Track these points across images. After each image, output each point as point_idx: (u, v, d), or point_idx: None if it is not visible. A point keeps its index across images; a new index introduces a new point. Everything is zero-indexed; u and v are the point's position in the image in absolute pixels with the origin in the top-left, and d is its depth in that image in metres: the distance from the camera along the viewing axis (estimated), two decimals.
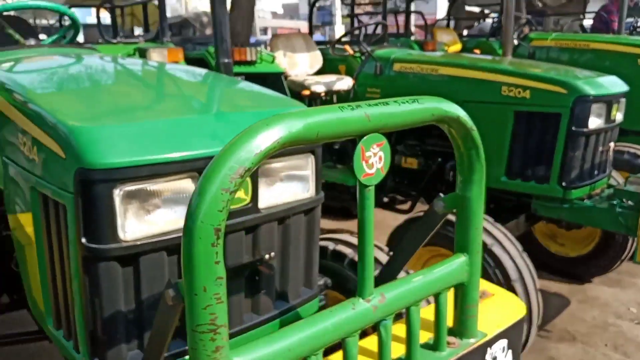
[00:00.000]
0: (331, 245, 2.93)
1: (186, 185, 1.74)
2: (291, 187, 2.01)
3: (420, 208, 5.05)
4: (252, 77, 5.71)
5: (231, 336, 1.94)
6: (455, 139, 1.51)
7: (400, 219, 3.97)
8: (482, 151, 1.53)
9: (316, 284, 2.24)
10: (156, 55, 4.65)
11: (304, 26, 22.22)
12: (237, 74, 5.29)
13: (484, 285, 2.07)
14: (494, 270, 3.39)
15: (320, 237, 3.07)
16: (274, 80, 5.80)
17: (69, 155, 1.61)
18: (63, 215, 1.71)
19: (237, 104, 2.06)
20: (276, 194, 1.96)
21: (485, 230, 3.45)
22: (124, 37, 5.95)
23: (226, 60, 3.00)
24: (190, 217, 1.00)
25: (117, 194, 1.60)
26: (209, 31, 16.06)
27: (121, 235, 1.63)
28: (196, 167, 1.71)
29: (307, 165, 2.03)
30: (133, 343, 1.76)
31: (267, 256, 1.98)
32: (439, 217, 1.73)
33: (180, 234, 1.73)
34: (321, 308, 2.75)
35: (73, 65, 2.58)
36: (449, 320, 1.69)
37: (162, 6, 5.02)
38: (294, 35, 6.61)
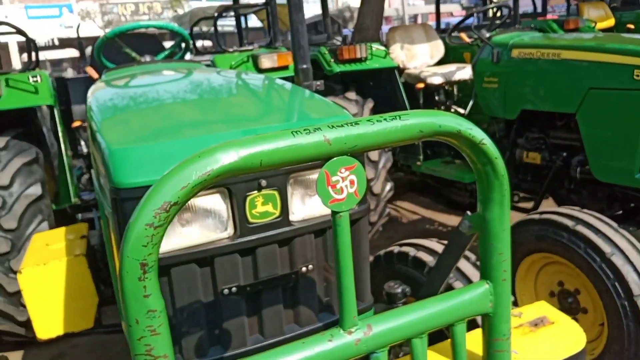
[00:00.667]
0: (412, 252, 2.80)
1: (215, 200, 1.80)
2: None
3: (546, 206, 4.58)
4: (363, 75, 5.67)
5: (273, 346, 1.98)
6: (468, 154, 1.34)
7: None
8: (500, 166, 1.34)
9: (368, 297, 2.16)
10: (266, 61, 4.84)
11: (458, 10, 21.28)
12: (345, 74, 5.28)
13: (546, 310, 1.82)
14: (613, 283, 2.96)
15: (402, 243, 2.97)
16: (388, 76, 5.68)
17: (107, 176, 1.76)
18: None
19: (275, 117, 2.06)
20: (311, 207, 1.93)
21: (605, 236, 3.02)
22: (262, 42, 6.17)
23: (304, 67, 3.01)
24: (120, 252, 1.02)
25: None
26: (351, 26, 16.27)
27: None
28: (224, 183, 1.76)
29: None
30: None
31: (303, 269, 1.96)
32: (466, 238, 1.55)
33: (210, 246, 1.82)
34: None
35: (160, 83, 2.80)
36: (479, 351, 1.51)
37: (273, 12, 5.20)
38: (413, 27, 6.39)
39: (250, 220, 1.81)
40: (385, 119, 1.20)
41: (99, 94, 2.47)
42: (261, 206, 1.80)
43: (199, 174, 1.02)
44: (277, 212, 1.84)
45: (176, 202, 1.01)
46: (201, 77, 2.76)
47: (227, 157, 1.05)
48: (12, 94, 4.12)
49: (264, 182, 1.78)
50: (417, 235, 6.03)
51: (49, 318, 3.90)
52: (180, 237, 1.78)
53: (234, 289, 1.85)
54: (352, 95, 5.41)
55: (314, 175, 1.91)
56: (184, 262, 1.78)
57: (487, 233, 1.41)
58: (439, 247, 2.78)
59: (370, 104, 5.47)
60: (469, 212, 1.51)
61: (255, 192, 1.79)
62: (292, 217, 1.89)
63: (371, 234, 5.36)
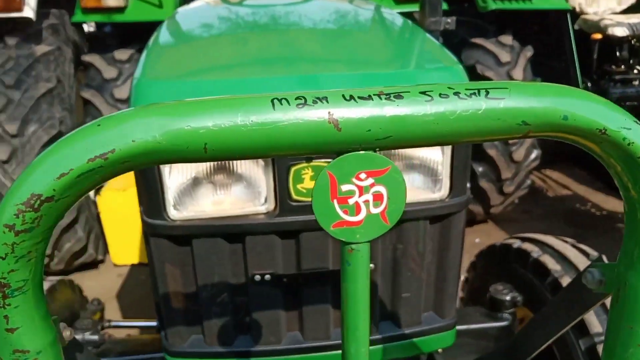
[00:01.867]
0: (536, 253, 2.18)
1: (247, 166, 1.38)
2: (411, 181, 1.44)
3: None
4: (526, 16, 4.70)
5: (317, 349, 1.59)
6: (615, 170, 0.75)
7: None
8: None
9: (450, 313, 1.65)
10: None
11: None
12: (504, 13, 4.40)
13: None
14: None
15: (526, 237, 2.33)
16: (557, 20, 4.67)
17: None
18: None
19: (349, 63, 1.53)
20: None
21: None
22: None
23: None
24: None
25: (166, 167, 1.35)
26: None
27: (171, 213, 1.39)
28: None
29: (436, 155, 1.41)
30: (194, 328, 1.57)
31: None
32: (593, 297, 0.97)
33: (242, 220, 1.44)
34: (506, 330, 2.11)
35: (253, 9, 2.36)
36: None
37: None
38: None
39: (294, 196, 1.37)
40: (459, 92, 0.65)
41: (177, 16, 2.12)
42: (309, 181, 1.35)
43: (92, 155, 0.60)
44: None
45: (50, 198, 0.60)
46: (299, 6, 2.27)
47: (144, 131, 0.60)
48: (138, 7, 4.02)
49: None
50: (561, 215, 5.14)
51: (124, 245, 3.95)
52: (208, 202, 1.42)
53: (267, 277, 1.46)
54: (507, 39, 4.54)
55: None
56: (209, 234, 1.42)
57: (624, 298, 0.82)
58: (572, 254, 2.12)
59: (528, 52, 4.56)
60: (604, 258, 0.91)
61: (304, 162, 1.33)
62: None
63: (502, 207, 4.63)
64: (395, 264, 1.54)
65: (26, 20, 3.78)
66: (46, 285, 2.13)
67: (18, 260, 0.63)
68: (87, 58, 4.22)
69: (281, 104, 0.63)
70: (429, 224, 1.51)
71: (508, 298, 2.15)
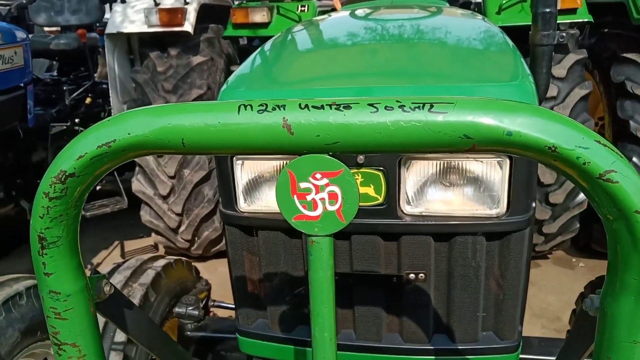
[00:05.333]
0: None
1: None
2: (464, 195, 1.45)
3: None
4: None
5: (369, 350, 1.65)
6: (587, 193, 0.73)
7: None
8: None
9: (514, 334, 1.60)
10: None
11: None
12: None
13: None
14: None
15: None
16: None
17: None
18: None
19: (412, 75, 1.57)
20: (433, 201, 1.45)
21: None
22: None
23: (546, 10, 2.27)
24: None
25: (238, 164, 1.53)
26: None
27: (241, 205, 1.58)
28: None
29: (494, 169, 1.41)
30: (261, 312, 1.74)
31: (412, 275, 1.53)
32: (594, 322, 0.92)
33: None
34: None
35: (371, 24, 2.48)
36: None
37: None
38: None
39: None
40: (404, 105, 0.71)
41: (291, 29, 2.33)
42: (360, 186, 1.43)
43: (100, 143, 0.77)
44: (381, 198, 1.44)
45: (72, 174, 0.79)
46: (421, 22, 2.33)
47: (137, 127, 0.77)
48: (280, 22, 4.37)
49: (361, 158, 1.39)
50: None
51: None
52: (272, 199, 1.57)
53: None
54: None
55: (444, 158, 1.41)
56: (272, 227, 1.57)
57: (605, 330, 0.78)
58: None
59: None
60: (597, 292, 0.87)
61: (354, 168, 1.42)
62: (402, 209, 1.46)
63: (548, 246, 4.17)
64: (449, 277, 1.54)
65: (186, 33, 4.35)
66: (165, 261, 2.47)
67: (52, 220, 0.83)
68: (234, 68, 4.70)
69: (245, 110, 0.75)
70: (485, 240, 1.49)
71: None
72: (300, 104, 0.74)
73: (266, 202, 1.56)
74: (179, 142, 0.76)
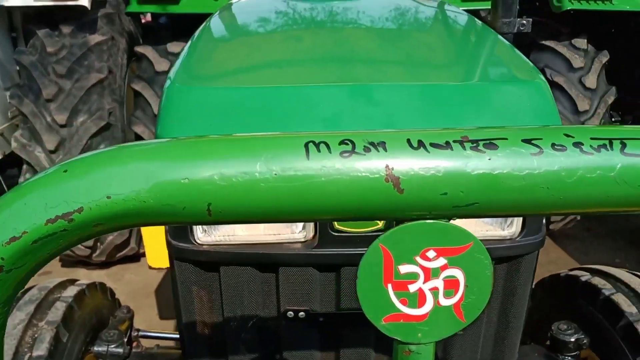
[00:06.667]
0: (606, 291, 1.91)
1: None
2: None
3: None
4: (604, 18, 4.29)
5: None
6: None
7: None
8: None
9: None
10: None
11: None
12: (580, 13, 4.03)
13: None
14: None
15: (597, 269, 2.06)
16: (638, 22, 4.24)
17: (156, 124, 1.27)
18: None
19: (408, 71, 1.31)
20: None
21: None
22: None
23: None
24: None
25: None
26: None
27: (198, 235, 1.23)
28: None
29: None
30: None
31: None
32: None
33: (277, 249, 1.26)
34: None
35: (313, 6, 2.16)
36: None
37: None
38: None
39: (337, 226, 1.17)
40: (581, 143, 0.44)
41: (226, 10, 1.95)
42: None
43: (54, 214, 0.42)
44: (380, 223, 1.17)
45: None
46: (359, 2, 2.06)
47: (123, 184, 0.42)
48: None
49: None
50: (627, 234, 4.70)
51: (161, 248, 3.84)
52: (239, 226, 1.24)
53: (301, 314, 1.28)
54: (581, 42, 4.17)
55: None
56: (239, 262, 1.25)
57: None
58: None
59: (603, 57, 4.18)
60: None
61: None
62: None
63: (562, 223, 4.28)
64: None
65: (81, 8, 3.74)
66: (76, 289, 2.03)
67: None
68: (140, 49, 4.16)
69: (319, 151, 0.43)
70: (494, 264, 1.28)
71: (572, 339, 1.89)
72: (409, 140, 0.44)
73: (232, 229, 1.23)
74: (203, 208, 0.43)
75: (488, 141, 0.44)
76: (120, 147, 0.44)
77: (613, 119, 4.49)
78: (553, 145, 0.44)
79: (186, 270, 1.28)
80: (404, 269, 0.48)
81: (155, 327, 3.51)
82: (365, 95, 1.14)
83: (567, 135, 0.45)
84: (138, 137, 3.96)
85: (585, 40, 4.18)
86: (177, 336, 2.31)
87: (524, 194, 0.44)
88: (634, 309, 1.79)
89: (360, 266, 0.48)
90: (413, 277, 0.49)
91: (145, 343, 2.38)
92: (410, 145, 0.44)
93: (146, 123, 3.94)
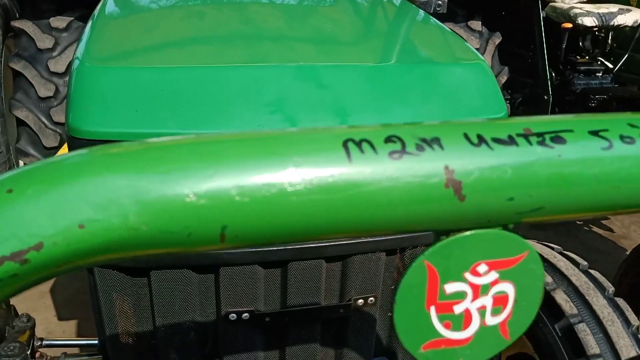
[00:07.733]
0: (547, 285, 1.79)
1: None
2: None
3: None
4: (496, 0, 4.52)
5: None
6: None
7: None
8: None
9: None
10: None
11: None
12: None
13: None
14: None
15: None
16: (527, 7, 4.51)
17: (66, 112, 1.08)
18: None
19: (353, 49, 1.24)
20: None
21: None
22: None
23: None
24: None
25: None
26: None
27: None
28: None
29: None
30: None
31: (360, 301, 1.23)
32: None
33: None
34: None
35: None
36: None
37: None
38: None
39: None
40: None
41: None
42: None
43: (13, 249, 0.29)
44: None
45: None
46: None
47: (101, 205, 0.30)
48: None
49: None
50: None
51: None
52: None
53: (245, 315, 1.17)
54: (476, 24, 4.35)
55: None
56: (173, 265, 1.11)
57: None
58: (563, 264, 1.91)
59: (497, 39, 4.41)
60: None
61: None
62: None
63: None
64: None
65: None
66: None
67: None
68: (18, 24, 3.69)
69: (362, 151, 0.34)
70: None
71: None
72: (467, 134, 0.36)
73: None
74: (214, 233, 0.32)
75: (554, 134, 0.37)
76: (91, 150, 0.31)
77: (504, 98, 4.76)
78: (622, 137, 0.38)
79: (108, 276, 1.12)
80: (451, 288, 0.40)
81: (55, 330, 3.22)
82: (311, 76, 1.04)
83: (632, 126, 0.39)
84: (21, 123, 3.54)
85: (480, 23, 4.36)
86: (84, 342, 2.10)
87: (594, 195, 0.38)
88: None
89: (400, 288, 0.40)
90: (460, 296, 0.41)
91: (50, 352, 2.13)
92: (469, 141, 0.36)
93: (30, 107, 3.52)
